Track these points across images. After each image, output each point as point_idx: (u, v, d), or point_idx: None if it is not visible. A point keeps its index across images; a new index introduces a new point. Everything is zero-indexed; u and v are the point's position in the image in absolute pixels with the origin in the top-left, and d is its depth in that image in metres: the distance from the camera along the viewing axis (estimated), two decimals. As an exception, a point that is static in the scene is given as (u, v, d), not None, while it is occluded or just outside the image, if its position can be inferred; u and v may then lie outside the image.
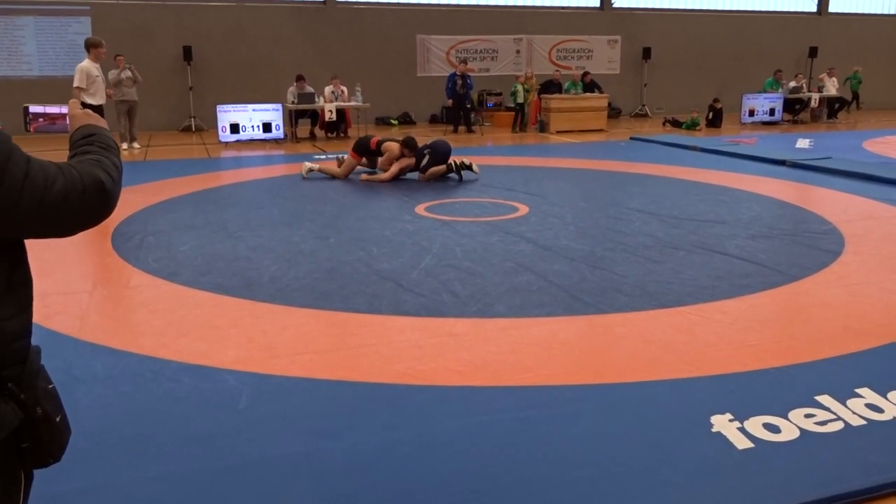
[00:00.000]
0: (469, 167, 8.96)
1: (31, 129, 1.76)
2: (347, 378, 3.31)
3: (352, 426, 2.85)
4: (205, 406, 3.04)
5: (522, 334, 3.82)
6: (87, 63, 8.66)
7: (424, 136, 9.98)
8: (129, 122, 12.61)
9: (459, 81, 15.09)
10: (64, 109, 1.63)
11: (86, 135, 1.50)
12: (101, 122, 1.56)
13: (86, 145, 1.46)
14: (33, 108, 1.67)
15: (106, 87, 9.04)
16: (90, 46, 8.79)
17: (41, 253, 5.44)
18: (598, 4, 19.22)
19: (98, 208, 1.36)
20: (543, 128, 15.35)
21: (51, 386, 1.45)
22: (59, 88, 14.97)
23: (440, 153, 8.94)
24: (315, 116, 14.44)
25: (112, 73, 12.29)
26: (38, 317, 4.24)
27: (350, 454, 2.65)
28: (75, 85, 8.48)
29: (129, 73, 12.30)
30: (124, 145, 12.57)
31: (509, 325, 3.96)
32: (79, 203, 1.31)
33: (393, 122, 17.29)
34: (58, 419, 1.43)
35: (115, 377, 3.32)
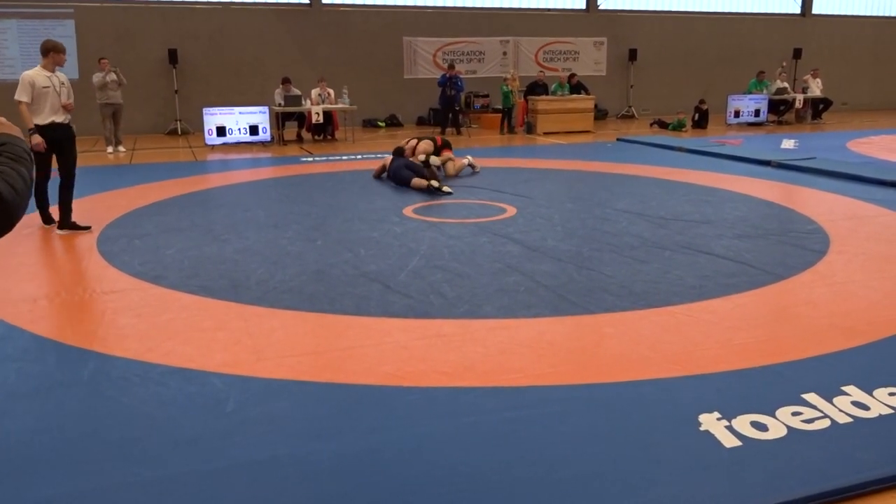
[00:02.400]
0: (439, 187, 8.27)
1: None
2: (335, 380, 3.30)
3: (340, 428, 2.84)
4: (192, 409, 3.02)
5: (510, 335, 3.82)
6: (34, 71, 6.36)
7: (410, 136, 9.95)
8: (114, 126, 12.54)
9: (448, 83, 15.07)
10: None
11: None
12: (14, 131, 1.50)
13: None
14: None
15: (68, 98, 6.53)
16: (48, 50, 6.41)
17: (25, 257, 5.40)
18: (584, 6, 19.29)
19: None
20: (530, 129, 15.38)
21: None
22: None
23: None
24: (302, 119, 14.41)
25: (97, 77, 12.22)
26: (22, 321, 4.23)
27: (338, 456, 2.64)
28: (16, 98, 6.23)
29: (113, 77, 12.23)
30: (109, 149, 12.51)
31: (497, 325, 3.96)
32: None
33: (380, 123, 17.28)
34: None
35: (101, 381, 3.30)
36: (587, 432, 2.79)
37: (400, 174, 8.51)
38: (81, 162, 11.15)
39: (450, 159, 9.44)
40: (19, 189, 1.36)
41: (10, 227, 1.35)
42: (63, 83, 6.60)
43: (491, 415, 2.93)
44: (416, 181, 8.26)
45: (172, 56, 15.61)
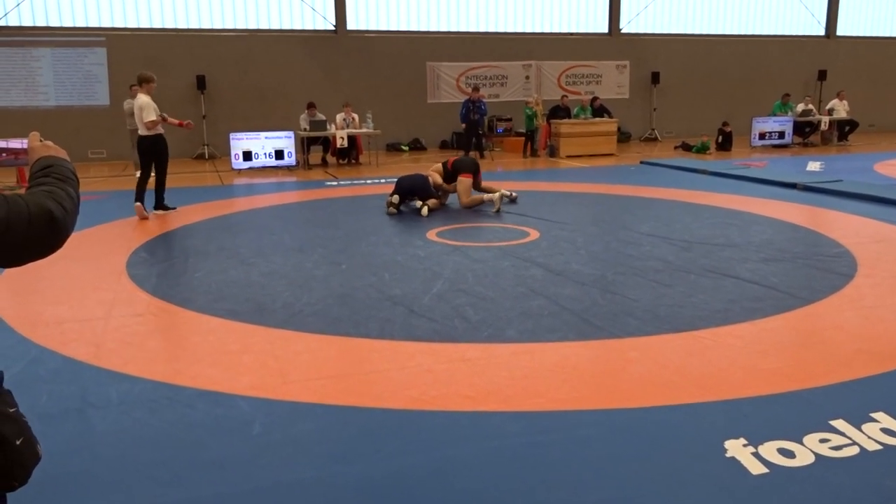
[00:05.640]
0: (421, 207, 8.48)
1: None
2: (359, 403, 3.32)
3: (364, 451, 2.86)
4: (218, 432, 3.06)
5: (534, 359, 3.82)
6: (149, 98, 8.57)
7: (435, 162, 9.95)
8: (142, 151, 12.76)
9: (472, 107, 15.20)
10: (25, 143, 1.65)
11: (44, 166, 1.51)
12: (61, 154, 1.57)
13: (42, 177, 1.48)
14: None
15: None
16: (151, 80, 8.74)
17: (56, 281, 5.51)
18: (606, 30, 19.39)
19: (46, 239, 1.37)
20: (553, 152, 15.42)
21: (12, 410, 1.44)
22: (75, 118, 15.26)
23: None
24: (327, 143, 14.58)
25: (127, 103, 12.47)
26: (53, 343, 4.30)
27: (362, 479, 2.65)
28: (148, 119, 8.45)
29: (143, 103, 12.48)
30: (138, 174, 12.71)
31: (521, 349, 3.96)
32: (24, 233, 1.32)
33: (404, 147, 17.43)
34: (18, 442, 1.41)
35: (130, 403, 3.35)
36: (611, 457, 2.78)
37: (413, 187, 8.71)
38: (110, 186, 11.41)
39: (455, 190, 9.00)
40: (68, 208, 1.42)
41: (60, 245, 1.41)
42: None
43: (514, 439, 2.93)
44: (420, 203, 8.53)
45: (200, 82, 15.92)
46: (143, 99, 8.57)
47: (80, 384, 3.57)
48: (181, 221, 8.18)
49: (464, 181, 8.76)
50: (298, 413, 3.23)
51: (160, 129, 8.71)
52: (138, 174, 12.57)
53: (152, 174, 8.87)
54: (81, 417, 3.21)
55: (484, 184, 9.17)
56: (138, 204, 8.56)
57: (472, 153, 15.39)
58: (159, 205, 8.81)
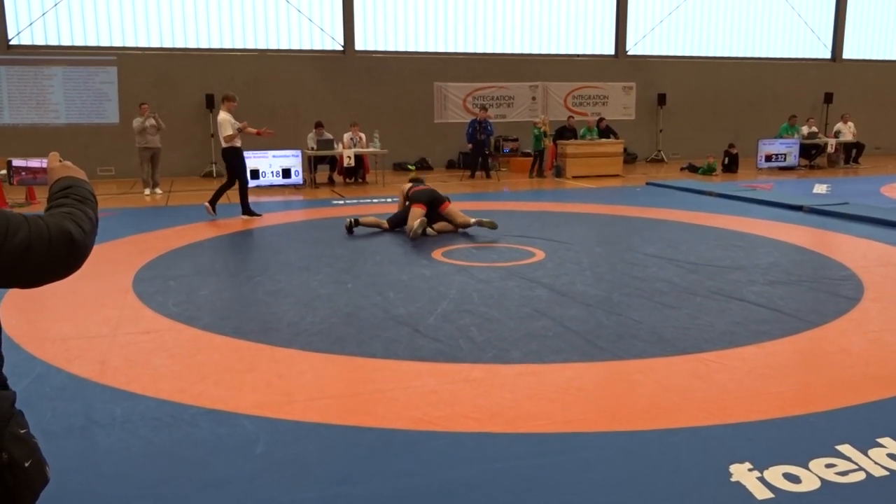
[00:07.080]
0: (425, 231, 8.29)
1: (15, 182, 1.78)
2: (363, 423, 3.32)
3: (367, 472, 2.85)
4: (222, 451, 3.06)
5: (538, 380, 3.81)
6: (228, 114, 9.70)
7: (440, 182, 9.97)
8: (151, 168, 12.88)
9: (478, 127, 15.29)
10: (45, 163, 1.66)
11: (63, 187, 1.52)
12: (80, 174, 1.58)
13: (62, 198, 1.49)
14: (16, 162, 1.70)
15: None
16: (230, 98, 9.92)
17: (63, 298, 5.53)
18: (612, 52, 19.49)
19: (66, 260, 1.37)
20: (560, 173, 15.46)
21: (23, 431, 1.43)
22: (85, 135, 15.39)
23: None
24: (334, 162, 14.65)
25: (136, 121, 12.61)
26: (59, 360, 4.31)
27: (366, 500, 2.64)
28: (226, 133, 9.59)
29: (152, 121, 12.60)
30: (146, 191, 12.83)
31: (525, 370, 3.96)
32: (44, 254, 1.33)
33: (410, 167, 17.49)
34: (27, 465, 1.40)
35: (135, 421, 3.35)
36: (615, 481, 2.76)
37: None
38: (119, 203, 11.48)
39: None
40: (87, 229, 1.43)
41: (78, 266, 1.42)
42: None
43: (518, 461, 2.92)
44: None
45: (209, 101, 16.04)
46: (221, 115, 9.70)
47: (85, 401, 3.58)
48: (188, 239, 8.21)
49: (414, 210, 8.35)
50: (302, 433, 3.22)
51: (237, 143, 9.71)
52: (146, 191, 12.80)
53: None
54: (85, 435, 3.21)
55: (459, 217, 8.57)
56: (207, 204, 9.83)
57: (478, 173, 15.49)
58: (245, 210, 9.86)
